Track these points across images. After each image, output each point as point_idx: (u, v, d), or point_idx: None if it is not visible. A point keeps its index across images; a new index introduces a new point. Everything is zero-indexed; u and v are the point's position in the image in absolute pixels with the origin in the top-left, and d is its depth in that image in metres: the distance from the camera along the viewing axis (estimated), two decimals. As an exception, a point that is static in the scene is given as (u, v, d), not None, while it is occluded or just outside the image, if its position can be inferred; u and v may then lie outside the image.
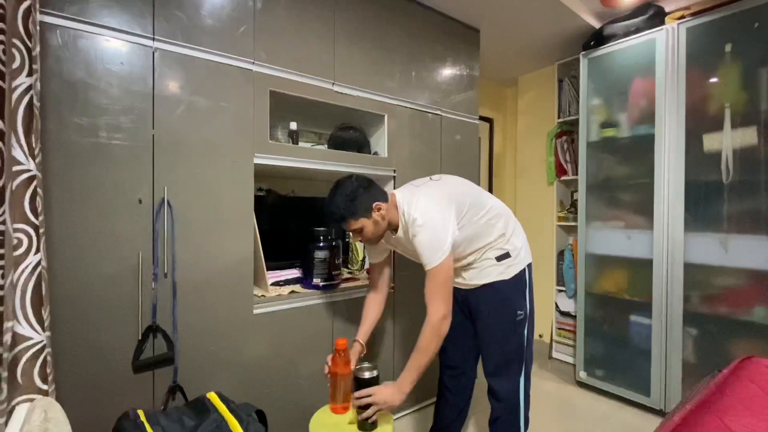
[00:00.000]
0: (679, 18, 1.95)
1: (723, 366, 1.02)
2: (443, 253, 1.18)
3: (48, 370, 0.92)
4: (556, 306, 2.74)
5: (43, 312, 0.91)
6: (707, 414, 0.81)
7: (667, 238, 1.96)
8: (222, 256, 1.38)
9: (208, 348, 1.35)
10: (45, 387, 0.91)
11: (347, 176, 1.29)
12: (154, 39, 1.25)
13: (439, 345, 1.18)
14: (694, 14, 1.90)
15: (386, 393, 1.15)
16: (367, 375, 1.21)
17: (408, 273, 1.88)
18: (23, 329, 0.88)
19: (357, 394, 1.16)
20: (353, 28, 1.74)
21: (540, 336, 2.92)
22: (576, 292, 2.40)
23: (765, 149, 1.71)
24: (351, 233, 1.30)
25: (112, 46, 1.19)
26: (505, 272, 1.33)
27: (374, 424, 1.17)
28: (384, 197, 1.29)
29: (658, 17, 2.06)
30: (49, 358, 0.92)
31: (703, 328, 1.89)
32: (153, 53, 1.25)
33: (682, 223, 1.91)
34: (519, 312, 1.34)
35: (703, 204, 1.86)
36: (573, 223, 2.56)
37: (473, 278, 1.36)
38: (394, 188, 1.86)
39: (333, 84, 1.68)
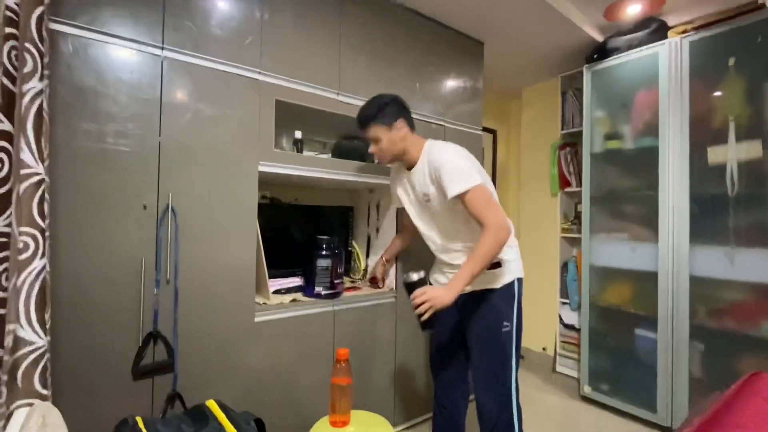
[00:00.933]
0: (682, 32, 1.96)
1: (731, 382, 1.00)
2: (473, 180, 1.21)
3: (47, 375, 0.91)
4: (560, 318, 2.71)
5: (45, 316, 0.91)
6: (716, 431, 0.79)
7: (672, 251, 1.94)
8: (224, 264, 1.38)
9: (208, 355, 1.34)
10: (45, 392, 0.90)
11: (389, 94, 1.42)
12: (163, 48, 1.27)
13: (496, 253, 1.20)
14: (697, 29, 1.91)
15: (438, 291, 1.18)
16: (415, 277, 1.25)
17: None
18: (25, 333, 0.88)
19: (412, 295, 1.21)
20: (358, 40, 1.76)
21: (544, 349, 2.88)
22: (580, 304, 2.38)
23: (770, 163, 1.70)
24: (370, 143, 1.39)
25: (122, 54, 1.21)
26: (494, 281, 1.33)
27: (432, 323, 1.21)
28: (411, 125, 1.39)
29: (660, 31, 2.08)
30: (48, 363, 0.92)
31: (710, 343, 1.86)
32: (162, 62, 1.27)
33: (688, 235, 1.89)
34: (505, 323, 1.31)
35: (709, 217, 1.85)
36: (577, 235, 2.55)
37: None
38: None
39: (338, 94, 1.70)
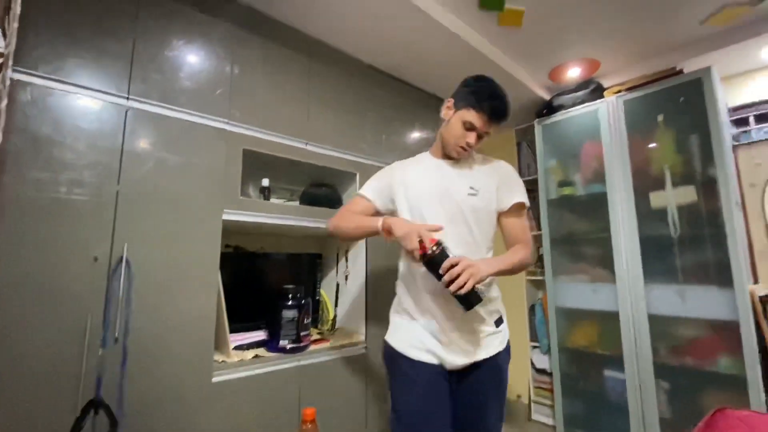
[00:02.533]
0: (617, 92, 2.21)
1: (698, 419, 1.02)
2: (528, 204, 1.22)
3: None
4: (532, 363, 2.69)
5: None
6: (689, 472, 0.78)
7: (629, 291, 2.03)
8: (181, 319, 1.29)
9: (158, 424, 1.21)
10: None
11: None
12: (128, 98, 1.27)
13: (522, 267, 1.14)
14: (629, 89, 2.16)
15: (473, 259, 1.00)
16: (435, 249, 0.98)
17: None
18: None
19: (444, 266, 0.96)
20: (326, 94, 1.84)
21: (518, 397, 2.82)
22: (549, 347, 2.38)
23: (704, 205, 1.87)
24: (468, 140, 1.15)
25: (84, 104, 1.19)
26: (502, 339, 1.18)
27: (476, 296, 0.98)
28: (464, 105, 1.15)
29: (598, 91, 2.33)
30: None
31: (674, 381, 1.90)
32: (126, 111, 1.26)
33: (642, 275, 1.99)
34: (506, 392, 1.19)
35: (658, 257, 1.98)
36: (541, 278, 2.62)
37: (472, 346, 1.12)
38: (366, 244, 1.86)
39: (306, 144, 1.73)
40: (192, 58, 1.43)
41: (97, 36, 1.23)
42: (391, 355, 1.18)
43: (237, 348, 1.52)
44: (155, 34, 1.35)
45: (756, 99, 2.20)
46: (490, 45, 2.06)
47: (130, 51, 1.29)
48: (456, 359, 1.11)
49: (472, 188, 1.16)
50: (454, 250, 1.02)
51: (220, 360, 1.39)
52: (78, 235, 1.13)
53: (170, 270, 1.28)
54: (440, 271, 0.97)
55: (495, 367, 1.15)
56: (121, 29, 1.28)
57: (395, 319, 1.24)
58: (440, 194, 1.15)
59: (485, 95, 1.12)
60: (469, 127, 1.13)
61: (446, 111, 1.21)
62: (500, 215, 1.19)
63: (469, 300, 0.98)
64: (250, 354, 1.47)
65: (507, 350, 1.20)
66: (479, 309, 1.06)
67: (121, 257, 1.19)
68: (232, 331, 1.50)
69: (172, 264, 1.29)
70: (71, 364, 1.08)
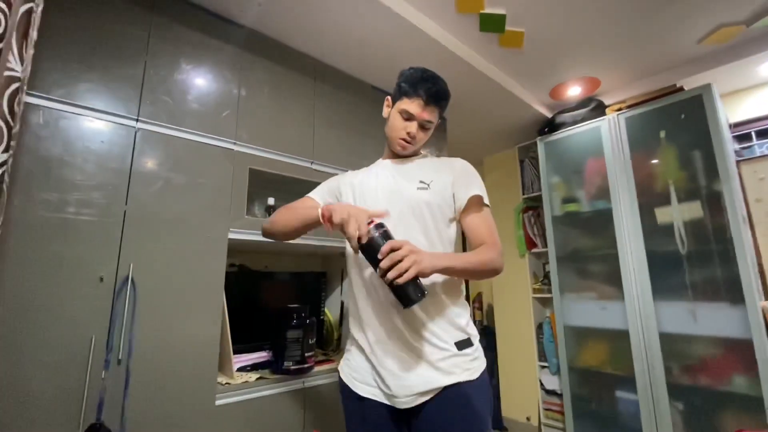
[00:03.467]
0: (618, 110, 2.24)
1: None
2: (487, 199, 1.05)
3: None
4: (541, 384, 2.62)
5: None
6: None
7: (638, 308, 1.99)
8: (185, 340, 1.27)
9: (159, 449, 1.17)
10: None
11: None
12: (137, 120, 1.29)
13: (485, 272, 0.95)
14: (629, 107, 2.19)
15: (419, 249, 0.85)
16: (375, 232, 0.84)
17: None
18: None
19: (383, 249, 0.82)
20: (331, 114, 1.87)
21: (528, 419, 2.74)
22: (559, 367, 2.33)
23: (711, 221, 1.86)
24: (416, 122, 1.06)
25: (94, 126, 1.21)
26: (470, 368, 0.94)
27: (419, 288, 0.82)
28: (398, 98, 1.08)
29: (599, 109, 2.36)
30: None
31: (688, 402, 1.84)
32: (135, 133, 1.28)
33: (650, 292, 1.97)
34: None
35: (667, 273, 1.95)
36: (548, 295, 2.59)
37: (421, 372, 0.91)
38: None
39: (312, 162, 1.75)
40: (200, 81, 1.46)
41: (109, 60, 1.26)
42: (340, 388, 1.05)
43: (241, 369, 1.49)
44: (165, 58, 1.38)
45: (756, 115, 2.22)
46: (491, 65, 2.10)
47: (140, 74, 1.32)
48: (400, 392, 0.91)
49: (422, 182, 1.04)
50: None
51: (224, 382, 1.37)
52: (85, 255, 1.13)
53: (175, 290, 1.28)
54: (378, 256, 0.82)
55: (459, 398, 0.90)
56: (133, 54, 1.32)
57: (347, 344, 1.10)
58: (389, 192, 1.04)
59: (416, 80, 1.04)
60: (407, 116, 1.05)
61: (386, 109, 1.14)
62: (461, 217, 1.04)
63: (407, 294, 0.81)
64: (254, 375, 1.45)
65: (481, 383, 0.94)
66: (429, 323, 0.94)
67: (127, 277, 1.19)
68: (235, 351, 1.48)
69: (176, 284, 1.28)
70: (74, 385, 1.07)
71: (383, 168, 1.13)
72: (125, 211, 1.22)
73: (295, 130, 1.72)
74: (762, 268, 2.02)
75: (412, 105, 1.03)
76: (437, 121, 1.08)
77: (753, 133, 2.22)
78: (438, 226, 1.02)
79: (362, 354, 1.01)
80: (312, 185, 1.81)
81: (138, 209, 1.24)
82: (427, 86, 1.03)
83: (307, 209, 1.06)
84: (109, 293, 1.15)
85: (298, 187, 1.83)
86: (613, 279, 2.11)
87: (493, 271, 0.97)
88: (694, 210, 1.92)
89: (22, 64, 0.80)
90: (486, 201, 1.04)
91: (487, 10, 1.70)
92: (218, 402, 1.31)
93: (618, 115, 2.20)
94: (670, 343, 1.90)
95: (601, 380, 2.14)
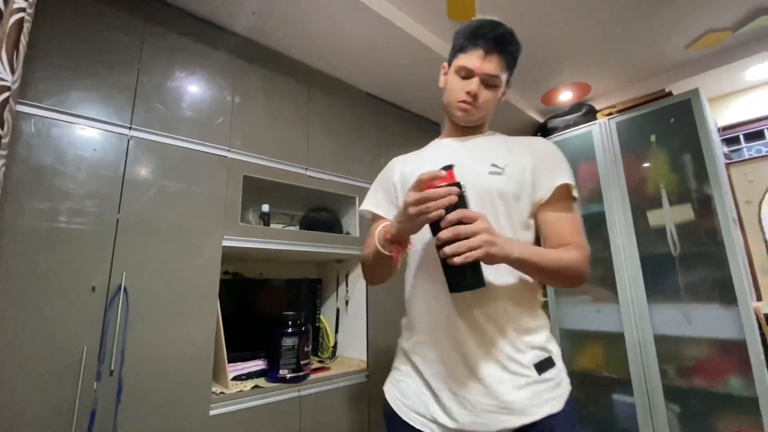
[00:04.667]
0: (608, 114, 2.26)
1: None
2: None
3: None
4: (538, 388, 2.62)
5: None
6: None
7: (633, 311, 2.00)
8: (179, 349, 1.26)
9: (152, 461, 1.16)
10: None
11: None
12: (131, 128, 1.29)
13: (572, 278, 0.78)
14: (620, 111, 2.21)
15: (494, 229, 0.67)
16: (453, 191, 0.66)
17: (385, 356, 1.78)
18: None
19: (452, 216, 0.65)
20: (326, 121, 1.88)
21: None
22: (555, 371, 2.33)
23: (702, 224, 1.88)
24: (473, 87, 0.86)
25: (87, 134, 1.21)
26: (554, 396, 0.76)
27: (477, 275, 0.66)
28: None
29: (591, 113, 2.39)
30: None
31: (684, 404, 1.84)
32: (128, 141, 1.28)
33: (644, 295, 1.98)
34: None
35: (660, 276, 1.96)
36: (544, 299, 2.59)
37: (496, 409, 0.73)
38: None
39: (306, 169, 1.75)
40: (193, 89, 1.46)
41: (101, 68, 1.26)
42: (386, 414, 0.88)
43: (235, 378, 1.48)
44: (158, 66, 1.38)
45: (744, 118, 2.25)
46: (483, 71, 2.12)
47: (134, 82, 1.32)
48: (467, 427, 0.74)
49: (495, 165, 0.83)
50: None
51: (218, 391, 1.35)
52: (77, 265, 1.12)
53: (168, 298, 1.27)
54: (441, 224, 0.65)
55: None
56: (126, 62, 1.31)
57: (396, 359, 0.93)
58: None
59: (472, 28, 0.85)
60: (465, 74, 0.85)
61: (442, 78, 0.96)
62: (538, 210, 0.84)
63: (461, 277, 0.66)
64: (249, 384, 1.43)
65: (567, 414, 0.76)
66: (501, 341, 0.75)
67: (120, 286, 1.17)
68: (230, 360, 1.46)
69: (170, 292, 1.27)
70: (65, 397, 1.05)
71: (442, 148, 0.94)
72: (118, 220, 1.21)
73: (290, 136, 1.72)
74: (753, 269, 2.05)
75: (470, 58, 0.83)
76: (506, 75, 0.87)
77: (741, 136, 2.25)
78: (513, 225, 0.81)
79: (416, 374, 0.83)
80: (307, 191, 1.82)
81: (131, 217, 1.23)
82: (486, 30, 0.83)
83: (370, 245, 0.85)
84: (101, 303, 1.14)
85: (294, 194, 1.84)
86: (608, 282, 2.12)
87: (577, 278, 0.78)
88: (685, 213, 1.94)
89: (13, 74, 0.79)
90: (575, 193, 0.84)
91: (479, 17, 1.71)
92: (213, 412, 1.29)
93: (609, 119, 2.23)
94: (665, 345, 1.91)
95: (597, 383, 2.14)
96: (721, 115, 2.33)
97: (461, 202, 0.67)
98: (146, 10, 1.39)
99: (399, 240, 0.73)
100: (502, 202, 0.81)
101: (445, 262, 0.65)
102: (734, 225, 1.83)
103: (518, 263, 0.71)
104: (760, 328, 1.71)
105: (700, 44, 1.94)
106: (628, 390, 1.98)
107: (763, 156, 2.15)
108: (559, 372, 0.80)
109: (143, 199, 1.27)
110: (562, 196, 0.83)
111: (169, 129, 1.37)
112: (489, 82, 0.85)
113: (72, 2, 1.23)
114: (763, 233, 2.07)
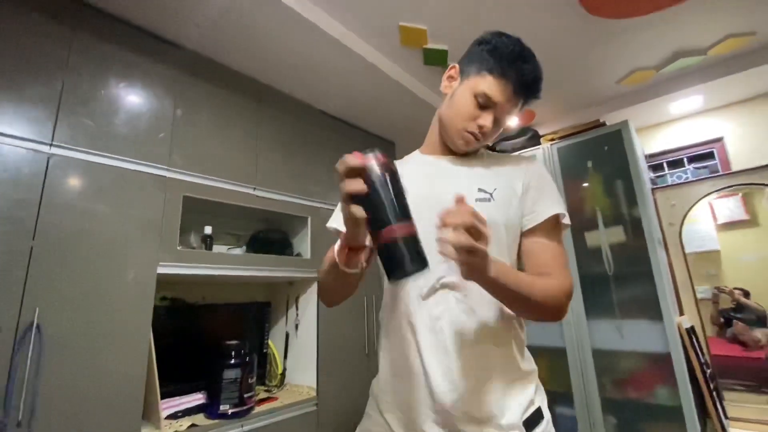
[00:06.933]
0: (551, 140, 2.40)
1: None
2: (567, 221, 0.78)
3: None
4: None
5: None
6: None
7: (574, 327, 2.11)
8: (102, 390, 1.14)
9: None
10: None
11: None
12: (51, 145, 1.16)
13: (552, 309, 0.69)
14: (561, 138, 2.36)
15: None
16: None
17: (335, 383, 1.72)
18: None
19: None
20: (276, 139, 1.82)
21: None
22: (504, 386, 2.39)
23: (632, 245, 2.04)
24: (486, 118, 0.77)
25: (-4, 151, 1.07)
26: None
27: (421, 256, 0.54)
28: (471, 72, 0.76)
29: (536, 138, 2.52)
30: None
31: (620, 415, 1.96)
32: (48, 159, 1.15)
33: (584, 310, 2.10)
34: None
35: (597, 293, 2.09)
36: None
37: None
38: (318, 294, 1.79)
39: (254, 189, 1.68)
40: (129, 102, 1.36)
41: (19, 78, 1.13)
42: None
43: (170, 417, 1.36)
44: (87, 76, 1.27)
45: (668, 147, 2.49)
46: (435, 95, 2.18)
47: (57, 95, 1.20)
48: None
49: (482, 191, 0.75)
50: (461, 285, 0.67)
51: (149, 434, 1.24)
52: (-24, 302, 0.98)
53: (91, 333, 1.14)
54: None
55: None
56: (48, 72, 1.19)
57: (370, 404, 0.83)
58: (433, 201, 0.65)
59: (510, 55, 0.72)
60: (483, 101, 0.73)
61: (448, 82, 0.82)
62: (524, 235, 0.78)
63: (399, 259, 0.53)
64: (185, 423, 1.32)
65: None
66: (487, 395, 0.68)
67: (32, 323, 1.04)
68: (166, 395, 1.35)
69: (93, 326, 1.15)
70: (-46, 460, 0.90)
71: (426, 167, 0.82)
72: (32, 248, 1.08)
73: (237, 154, 1.65)
74: (676, 287, 2.24)
75: (497, 87, 0.72)
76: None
77: (665, 164, 2.49)
78: (502, 251, 0.73)
79: (382, 420, 0.74)
80: (255, 212, 1.74)
81: (48, 244, 1.11)
82: (524, 68, 0.72)
83: (328, 258, 0.75)
84: (8, 344, 1.00)
85: (241, 213, 1.76)
86: (551, 299, 2.22)
87: (556, 310, 0.69)
88: (617, 234, 2.09)
89: None
90: (566, 221, 0.78)
91: (430, 45, 1.76)
92: (141, 458, 1.17)
93: (551, 145, 2.37)
94: (602, 358, 2.03)
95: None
96: (648, 144, 2.56)
97: (393, 175, 0.57)
98: (76, 16, 1.27)
99: (351, 245, 0.63)
100: (491, 233, 0.68)
101: (381, 245, 0.55)
102: (659, 246, 2.00)
103: (491, 284, 0.60)
104: (683, 341, 1.86)
105: (629, 80, 2.13)
106: (570, 403, 2.07)
107: (683, 182, 2.38)
108: (547, 423, 0.73)
109: (64, 224, 1.15)
110: (551, 224, 0.77)
111: (97, 146, 1.25)
112: (501, 120, 0.77)
113: (-17, 4, 1.10)
114: (684, 253, 2.28)
